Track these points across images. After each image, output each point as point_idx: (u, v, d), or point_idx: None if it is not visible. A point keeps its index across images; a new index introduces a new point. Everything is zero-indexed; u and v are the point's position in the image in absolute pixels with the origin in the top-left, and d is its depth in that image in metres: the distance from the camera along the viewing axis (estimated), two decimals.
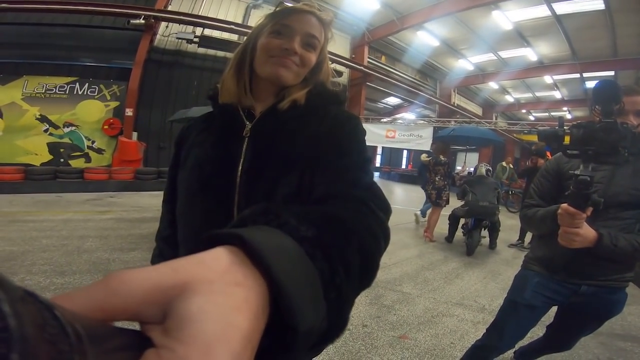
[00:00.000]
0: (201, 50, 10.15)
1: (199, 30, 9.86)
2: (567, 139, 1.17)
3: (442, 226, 5.35)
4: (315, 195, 0.57)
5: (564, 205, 1.15)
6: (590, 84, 12.61)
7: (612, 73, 12.50)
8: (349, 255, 0.33)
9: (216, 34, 9.86)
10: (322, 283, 0.27)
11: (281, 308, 0.22)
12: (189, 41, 9.74)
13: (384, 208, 0.50)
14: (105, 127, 9.36)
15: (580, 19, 10.11)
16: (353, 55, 13.33)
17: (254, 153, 0.65)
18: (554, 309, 1.55)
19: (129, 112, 9.12)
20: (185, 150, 0.74)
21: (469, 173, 6.52)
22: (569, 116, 18.65)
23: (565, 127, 1.17)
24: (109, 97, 9.50)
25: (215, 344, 0.17)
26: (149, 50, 9.42)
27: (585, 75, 13.50)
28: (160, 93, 9.99)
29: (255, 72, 0.69)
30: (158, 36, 9.78)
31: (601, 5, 9.29)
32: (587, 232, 1.18)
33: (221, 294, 0.20)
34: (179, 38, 9.66)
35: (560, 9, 9.85)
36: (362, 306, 2.70)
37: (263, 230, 0.27)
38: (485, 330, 1.61)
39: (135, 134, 9.25)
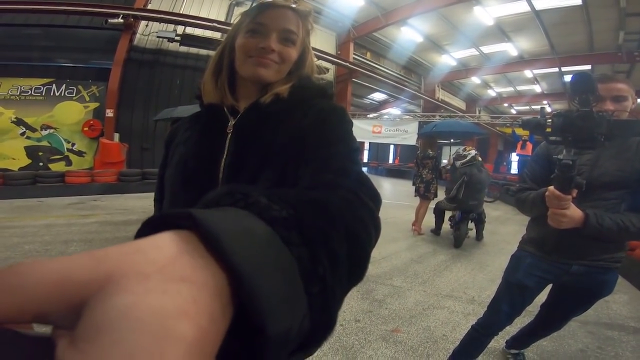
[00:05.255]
0: (183, 48, 9.96)
1: (180, 29, 9.64)
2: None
3: (429, 219, 5.42)
4: (301, 186, 0.55)
5: (551, 187, 1.23)
6: (569, 78, 12.93)
7: (589, 67, 12.87)
8: (334, 242, 0.28)
9: (198, 32, 9.68)
10: (301, 273, 0.22)
11: (246, 306, 0.18)
12: (170, 40, 9.51)
13: (374, 197, 0.47)
14: (86, 128, 9.08)
15: (558, 14, 10.36)
16: (339, 52, 13.33)
17: (236, 148, 0.66)
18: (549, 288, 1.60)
19: (109, 113, 8.87)
20: (173, 149, 0.75)
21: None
22: (549, 109, 19.11)
23: (546, 117, 1.24)
24: (87, 98, 9.21)
25: None
26: (128, 50, 9.17)
27: (563, 69, 13.87)
28: (142, 93, 9.76)
29: (237, 71, 0.69)
30: (138, 35, 9.52)
31: (578, 1, 9.53)
32: (574, 213, 1.24)
33: (158, 293, 0.15)
34: (160, 37, 9.42)
35: (539, 4, 10.07)
36: (354, 301, 2.72)
37: (224, 211, 0.22)
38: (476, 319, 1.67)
39: (117, 135, 9.03)
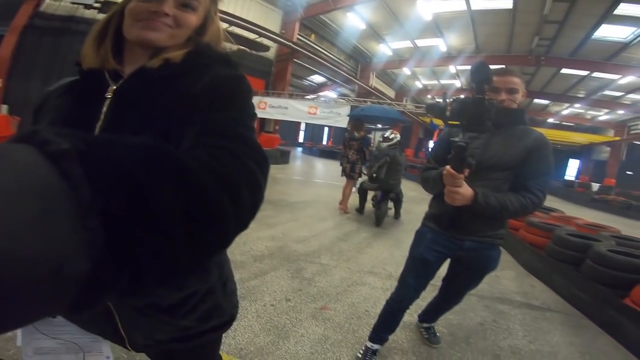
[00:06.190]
0: (102, 16, 8.65)
1: None
2: None
3: (356, 198, 5.72)
4: (181, 149, 0.52)
5: (447, 167, 1.36)
6: None
7: (503, 67, 14.55)
8: (140, 181, 0.27)
9: None
10: (76, 205, 0.22)
11: None
12: (88, 6, 8.21)
13: (257, 159, 0.47)
14: None
15: (489, 16, 11.36)
16: (283, 31, 12.90)
17: (114, 113, 0.61)
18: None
19: None
20: (42, 116, 0.68)
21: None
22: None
23: (447, 102, 1.36)
24: None
25: None
26: (32, 16, 7.82)
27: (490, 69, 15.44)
28: (43, 62, 8.38)
29: (125, 37, 0.64)
30: (47, 1, 8.10)
31: (510, 5, 10.49)
32: (466, 191, 1.39)
33: None
34: (75, 3, 8.17)
35: (476, 4, 10.87)
36: (284, 280, 2.78)
37: None
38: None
39: (4, 107, 7.67)
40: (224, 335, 0.84)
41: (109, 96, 0.62)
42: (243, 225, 0.41)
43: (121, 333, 0.68)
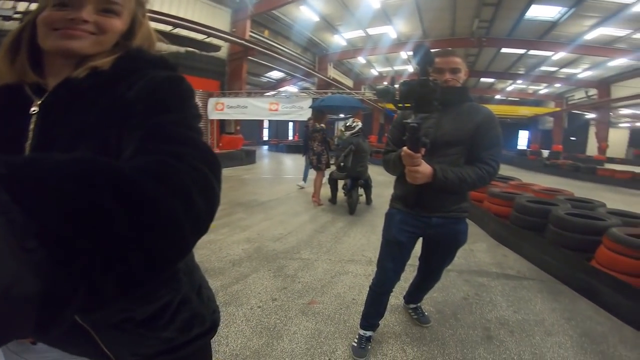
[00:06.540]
0: None
1: (22, 5, 7.55)
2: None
3: (327, 189, 5.77)
4: (123, 158, 0.50)
5: (404, 148, 1.41)
6: None
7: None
8: (82, 199, 0.28)
9: None
10: (9, 229, 0.22)
11: None
12: (7, 18, 7.43)
13: (207, 161, 0.46)
14: None
15: (433, 1, 11.71)
16: (234, 29, 12.50)
17: (42, 129, 0.57)
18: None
19: None
20: None
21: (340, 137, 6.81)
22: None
23: (395, 85, 1.41)
24: None
25: None
26: None
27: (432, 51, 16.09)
28: None
29: (42, 48, 0.60)
30: None
31: None
32: (425, 169, 1.45)
33: None
34: None
35: None
36: (267, 280, 2.74)
37: None
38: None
39: None
40: (216, 343, 0.81)
41: (35, 111, 0.57)
42: (201, 230, 0.40)
43: (106, 352, 0.65)
